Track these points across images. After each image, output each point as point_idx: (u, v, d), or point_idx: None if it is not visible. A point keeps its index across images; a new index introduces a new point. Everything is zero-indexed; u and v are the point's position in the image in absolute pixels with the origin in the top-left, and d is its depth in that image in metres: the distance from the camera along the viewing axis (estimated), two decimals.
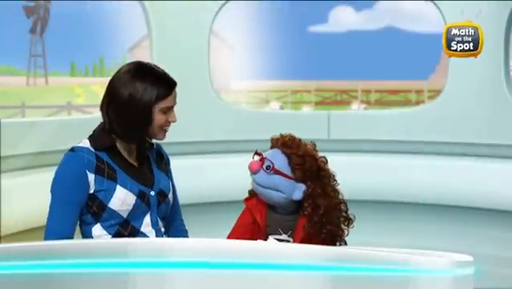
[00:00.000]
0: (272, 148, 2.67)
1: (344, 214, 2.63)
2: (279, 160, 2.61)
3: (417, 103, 30.09)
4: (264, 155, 2.63)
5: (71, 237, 2.66)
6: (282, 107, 24.84)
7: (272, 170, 2.59)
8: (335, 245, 2.62)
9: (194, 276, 2.00)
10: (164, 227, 2.86)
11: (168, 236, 2.85)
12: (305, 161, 2.60)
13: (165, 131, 2.74)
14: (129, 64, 2.75)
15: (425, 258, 2.10)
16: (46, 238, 2.65)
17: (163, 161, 2.88)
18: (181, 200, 3.01)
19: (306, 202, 2.59)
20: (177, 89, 2.70)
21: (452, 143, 5.81)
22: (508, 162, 5.56)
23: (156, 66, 2.76)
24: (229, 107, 6.16)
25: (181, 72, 5.60)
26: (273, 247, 2.14)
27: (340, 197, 2.65)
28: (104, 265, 1.98)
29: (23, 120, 10.11)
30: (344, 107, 28.29)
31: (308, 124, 6.02)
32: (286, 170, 2.60)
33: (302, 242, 2.56)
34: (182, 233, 2.95)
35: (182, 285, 2.00)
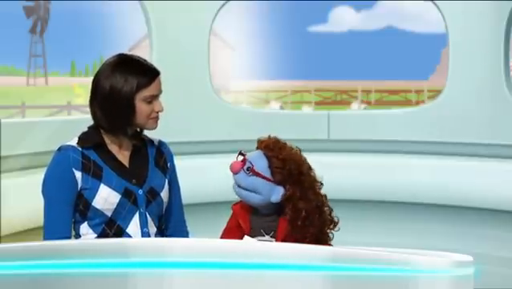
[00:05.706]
0: (257, 149, 2.68)
1: (329, 217, 2.65)
2: (260, 162, 2.62)
3: (417, 103, 30.13)
4: (247, 156, 2.65)
5: (68, 235, 2.67)
6: (282, 107, 24.88)
7: (251, 172, 2.60)
8: None
9: (194, 276, 2.00)
10: (161, 227, 2.84)
11: (167, 236, 2.84)
12: (285, 165, 2.61)
13: (154, 120, 2.72)
14: (112, 57, 2.74)
15: (425, 258, 2.10)
16: (44, 239, 2.65)
17: (162, 159, 2.86)
18: (182, 200, 3.00)
19: (286, 206, 2.60)
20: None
21: (452, 143, 5.81)
22: (508, 162, 5.56)
23: (138, 56, 2.74)
24: (229, 107, 6.15)
25: (181, 72, 5.66)
26: (273, 247, 2.14)
27: (323, 200, 2.65)
28: (104, 265, 1.98)
29: (23, 120, 10.09)
30: (344, 107, 28.32)
31: (308, 124, 6.02)
32: (266, 172, 2.61)
33: (284, 241, 2.57)
34: (182, 234, 2.94)
35: (182, 285, 1.99)
